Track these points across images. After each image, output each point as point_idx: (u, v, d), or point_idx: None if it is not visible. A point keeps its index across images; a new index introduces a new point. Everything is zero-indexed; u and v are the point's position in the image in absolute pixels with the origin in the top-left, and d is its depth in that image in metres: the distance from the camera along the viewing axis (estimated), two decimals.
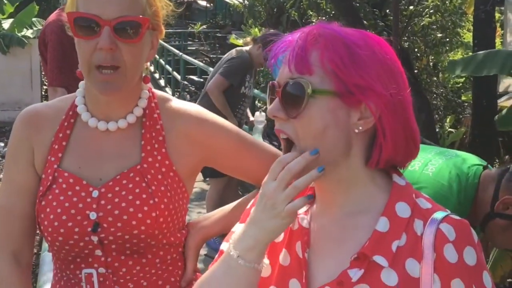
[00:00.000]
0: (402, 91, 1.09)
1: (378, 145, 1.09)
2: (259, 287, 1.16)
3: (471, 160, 2.02)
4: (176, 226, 1.53)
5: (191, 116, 1.56)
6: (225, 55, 5.38)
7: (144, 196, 1.47)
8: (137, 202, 1.46)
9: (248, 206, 1.31)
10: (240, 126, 5.11)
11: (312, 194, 1.13)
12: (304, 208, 1.19)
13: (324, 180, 1.12)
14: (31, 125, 1.55)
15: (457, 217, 1.08)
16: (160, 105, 1.56)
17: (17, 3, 11.80)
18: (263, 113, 5.56)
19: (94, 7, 1.39)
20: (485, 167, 1.98)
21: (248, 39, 5.45)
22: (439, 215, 1.08)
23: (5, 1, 11.60)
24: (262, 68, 5.57)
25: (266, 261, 1.16)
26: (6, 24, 11.38)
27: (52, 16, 4.18)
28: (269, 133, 5.56)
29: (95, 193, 1.47)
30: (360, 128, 1.08)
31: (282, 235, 1.19)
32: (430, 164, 1.94)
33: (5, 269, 1.56)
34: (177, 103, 1.59)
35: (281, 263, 1.18)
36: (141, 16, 1.43)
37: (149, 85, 1.58)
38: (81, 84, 1.56)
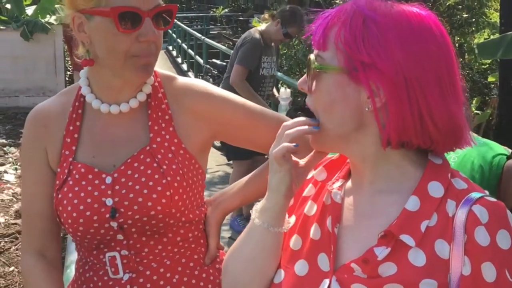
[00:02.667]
0: (426, 73, 1.05)
1: (391, 121, 1.06)
2: (289, 260, 1.19)
3: (496, 148, 1.97)
4: (193, 203, 1.54)
5: (195, 92, 1.57)
6: (238, 40, 5.33)
7: (156, 176, 1.47)
8: (150, 183, 1.46)
9: None
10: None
11: (297, 144, 1.15)
12: (338, 183, 1.20)
13: (349, 156, 1.16)
14: (40, 125, 1.57)
15: (493, 199, 1.05)
16: (164, 84, 1.58)
17: None
18: (288, 90, 5.45)
19: (132, 0, 1.39)
20: (508, 157, 1.94)
21: (267, 15, 5.36)
22: (473, 196, 1.05)
23: None
24: (284, 43, 5.46)
25: (291, 219, 1.22)
26: (30, 10, 11.44)
27: None
28: (292, 114, 5.51)
29: (109, 179, 1.48)
30: (370, 106, 1.07)
31: (315, 209, 1.20)
32: (453, 153, 1.90)
33: (29, 263, 1.60)
34: (180, 80, 1.60)
35: (312, 237, 1.18)
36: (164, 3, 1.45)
37: None
38: (82, 73, 1.57)
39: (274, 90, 5.63)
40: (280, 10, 5.29)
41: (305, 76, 1.16)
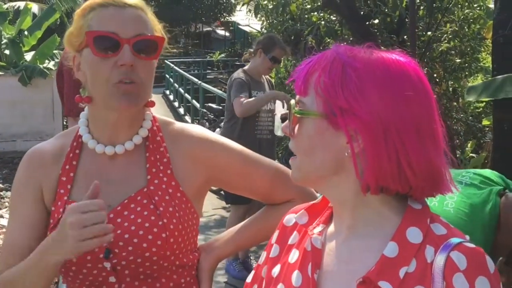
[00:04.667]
0: (404, 119, 1.05)
1: (368, 167, 1.06)
2: None
3: (490, 181, 1.98)
4: (187, 247, 1.54)
5: (194, 137, 1.59)
6: (227, 85, 5.33)
7: (152, 218, 1.48)
8: (146, 225, 1.47)
9: (272, 241, 1.32)
10: (260, 144, 5.02)
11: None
12: (319, 229, 1.19)
13: (329, 198, 1.18)
14: (37, 164, 1.58)
15: (471, 245, 1.04)
16: (162, 128, 1.60)
17: (39, 36, 11.99)
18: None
19: (112, 26, 1.43)
20: (502, 194, 1.94)
21: (246, 55, 5.32)
22: (451, 242, 1.04)
23: (27, 34, 11.79)
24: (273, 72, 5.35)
25: (275, 269, 1.24)
26: (28, 56, 11.56)
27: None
28: (287, 158, 5.50)
29: None
30: (349, 151, 1.07)
31: (297, 255, 1.20)
32: (449, 198, 1.90)
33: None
34: (179, 125, 1.63)
35: (294, 284, 1.17)
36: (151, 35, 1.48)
37: (150, 109, 1.61)
38: (83, 114, 1.59)
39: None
40: (256, 43, 5.26)
41: (287, 121, 1.18)
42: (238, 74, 5.13)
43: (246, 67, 5.21)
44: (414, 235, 1.07)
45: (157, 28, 1.54)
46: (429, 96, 1.10)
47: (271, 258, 1.28)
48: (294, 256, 1.22)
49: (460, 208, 1.86)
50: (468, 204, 1.87)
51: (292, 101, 1.15)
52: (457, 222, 1.82)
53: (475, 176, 2.03)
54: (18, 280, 1.47)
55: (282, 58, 5.34)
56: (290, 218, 1.31)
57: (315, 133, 1.10)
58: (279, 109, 5.05)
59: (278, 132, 5.10)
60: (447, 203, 1.88)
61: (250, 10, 10.61)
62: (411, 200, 1.12)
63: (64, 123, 10.83)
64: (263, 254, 1.33)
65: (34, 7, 13.84)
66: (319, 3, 8.29)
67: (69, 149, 1.58)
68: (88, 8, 1.48)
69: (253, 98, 4.96)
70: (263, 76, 5.27)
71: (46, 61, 11.39)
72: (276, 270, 1.24)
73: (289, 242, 1.26)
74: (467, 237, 1.08)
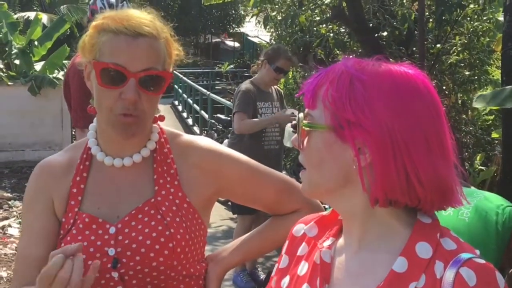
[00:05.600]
0: (412, 132, 1.04)
1: (376, 180, 1.06)
2: None
3: (498, 201, 1.98)
4: (195, 257, 1.55)
5: (201, 148, 1.60)
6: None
7: (160, 228, 1.49)
8: (154, 234, 1.48)
9: (282, 252, 1.32)
10: (268, 155, 5.02)
11: None
12: (329, 242, 1.19)
13: (338, 211, 1.17)
14: (48, 175, 1.59)
15: (481, 261, 1.03)
16: (170, 140, 1.61)
17: (49, 46, 12.06)
18: (295, 111, 5.35)
19: (121, 58, 1.42)
20: None
21: (254, 67, 5.34)
22: (461, 257, 1.03)
23: (37, 44, 11.87)
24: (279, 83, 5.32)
25: (285, 280, 1.23)
26: (38, 66, 11.63)
27: (74, 58, 4.26)
28: (296, 170, 5.48)
29: (112, 230, 1.50)
30: (357, 164, 1.06)
31: (306, 268, 1.20)
32: (464, 208, 1.90)
33: None
34: (186, 137, 1.64)
35: None
36: (161, 69, 1.48)
37: (158, 122, 1.62)
38: (92, 126, 1.61)
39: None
40: (262, 54, 5.29)
41: (296, 134, 1.18)
42: (245, 84, 5.15)
43: (253, 78, 5.23)
44: (423, 250, 1.06)
45: (171, 51, 1.53)
46: (438, 108, 1.09)
47: (280, 269, 1.29)
48: (303, 268, 1.21)
49: (475, 218, 1.86)
50: (483, 214, 1.87)
51: (301, 114, 1.15)
52: (472, 231, 1.82)
53: (487, 195, 2.04)
54: None
55: (288, 69, 5.34)
56: (299, 228, 1.31)
57: (323, 146, 1.10)
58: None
59: (288, 143, 5.09)
60: (462, 212, 1.88)
61: (259, 22, 10.63)
62: (421, 214, 1.11)
63: (73, 133, 10.87)
64: (276, 266, 1.33)
65: (44, 18, 13.96)
66: (328, 15, 8.30)
67: (78, 161, 1.60)
68: (103, 26, 1.46)
69: (254, 120, 4.97)
70: (272, 86, 5.27)
71: (56, 71, 11.44)
72: (285, 281, 1.24)
73: (298, 253, 1.26)
74: (478, 252, 1.07)
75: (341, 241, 1.19)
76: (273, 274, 1.33)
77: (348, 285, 1.12)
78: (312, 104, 1.13)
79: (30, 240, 1.58)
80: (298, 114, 1.16)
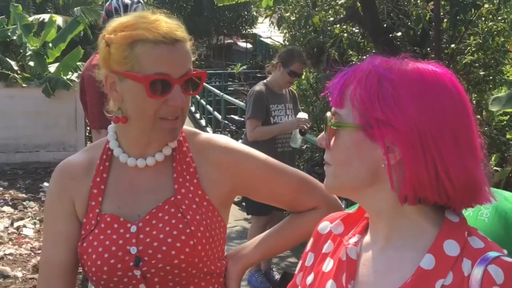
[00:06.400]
0: (442, 130, 1.04)
1: (406, 178, 1.06)
2: None
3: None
4: (215, 254, 1.56)
5: (219, 146, 1.61)
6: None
7: (180, 226, 1.50)
8: (175, 232, 1.49)
9: (307, 249, 1.32)
10: (282, 157, 5.01)
11: None
12: (355, 239, 1.19)
13: (365, 209, 1.17)
14: (68, 177, 1.60)
15: (509, 259, 1.03)
16: (188, 139, 1.62)
17: (63, 48, 12.14)
18: (305, 114, 5.35)
19: (164, 67, 1.44)
20: None
21: (269, 68, 5.33)
22: (489, 255, 1.03)
23: (51, 46, 11.94)
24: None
25: (309, 278, 1.24)
26: (52, 68, 11.71)
27: (90, 61, 4.28)
28: (310, 170, 5.47)
29: (133, 228, 1.51)
30: (386, 163, 1.07)
31: (331, 264, 1.20)
32: (484, 208, 1.88)
33: None
34: (204, 136, 1.65)
35: None
36: (192, 67, 1.50)
37: None
38: (111, 128, 1.62)
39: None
40: (277, 56, 5.29)
41: (323, 133, 1.18)
42: (258, 87, 5.16)
43: (267, 80, 5.23)
44: (451, 247, 1.06)
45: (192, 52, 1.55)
46: (466, 106, 1.09)
47: (306, 267, 1.29)
48: (328, 265, 1.22)
49: (496, 218, 1.84)
50: (503, 215, 1.85)
51: (328, 114, 1.15)
52: (492, 232, 1.80)
53: (507, 196, 2.02)
54: None
55: (302, 72, 5.32)
56: (325, 226, 1.31)
57: (352, 144, 1.10)
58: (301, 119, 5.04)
59: (295, 144, 5.09)
60: (481, 212, 1.86)
61: (272, 23, 10.63)
62: (449, 212, 1.11)
63: (87, 133, 10.94)
64: (299, 263, 1.33)
65: (59, 20, 14.04)
66: (342, 16, 8.28)
67: (98, 161, 1.61)
68: (135, 38, 1.45)
69: (265, 128, 4.99)
70: (285, 88, 5.26)
71: (70, 73, 11.52)
72: (310, 278, 1.24)
73: (324, 250, 1.27)
74: (505, 251, 1.07)
75: (367, 238, 1.19)
76: (297, 271, 1.33)
77: (374, 282, 1.12)
78: (339, 103, 1.13)
79: (52, 244, 1.59)
80: (326, 114, 1.16)
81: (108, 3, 4.33)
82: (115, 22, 1.51)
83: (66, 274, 1.58)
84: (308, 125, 5.13)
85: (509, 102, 5.14)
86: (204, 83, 1.45)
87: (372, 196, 1.12)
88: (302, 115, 5.14)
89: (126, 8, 4.12)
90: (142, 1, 4.35)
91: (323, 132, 1.17)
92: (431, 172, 1.04)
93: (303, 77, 9.89)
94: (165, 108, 1.47)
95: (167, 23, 1.48)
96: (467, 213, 1.83)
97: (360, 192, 1.13)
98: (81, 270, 1.59)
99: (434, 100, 1.06)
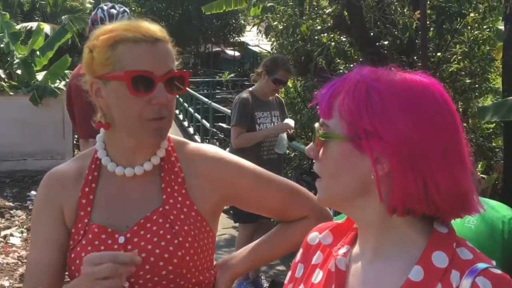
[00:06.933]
0: (430, 141, 1.04)
1: (394, 189, 1.06)
2: None
3: (504, 210, 1.98)
4: (204, 265, 1.56)
5: (208, 156, 1.61)
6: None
7: (168, 236, 1.50)
8: (163, 243, 1.49)
9: (296, 260, 1.32)
10: (269, 164, 4.99)
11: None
12: (344, 250, 1.19)
13: (354, 220, 1.17)
14: (57, 185, 1.60)
15: (498, 271, 1.03)
16: (176, 148, 1.62)
17: (51, 56, 12.10)
18: (292, 121, 5.35)
19: (146, 64, 1.44)
20: None
21: (254, 76, 5.35)
22: (478, 267, 1.03)
23: (39, 54, 11.90)
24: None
25: None
26: (40, 76, 11.67)
27: (77, 70, 4.29)
28: (298, 178, 5.49)
29: (121, 239, 1.51)
30: (374, 174, 1.06)
31: (321, 276, 1.20)
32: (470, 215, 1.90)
33: None
34: (193, 145, 1.65)
35: None
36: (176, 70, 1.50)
37: None
38: (99, 137, 1.61)
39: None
40: (261, 65, 5.31)
41: (312, 143, 1.17)
42: (244, 94, 5.20)
43: (252, 88, 5.25)
44: (440, 259, 1.06)
45: (174, 56, 1.55)
46: (454, 116, 1.09)
47: (296, 278, 1.28)
48: (318, 276, 1.22)
49: (482, 225, 1.86)
50: (489, 223, 1.87)
51: (316, 124, 1.15)
52: (478, 239, 1.81)
53: (493, 205, 2.03)
54: None
55: (287, 79, 5.33)
56: (314, 236, 1.30)
57: (340, 156, 1.10)
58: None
59: (279, 150, 5.10)
60: (468, 220, 1.88)
61: (260, 31, 10.65)
62: (437, 223, 1.11)
63: (75, 142, 10.89)
64: (288, 274, 1.33)
65: (46, 28, 14.01)
66: (329, 24, 8.32)
67: (87, 171, 1.61)
68: (116, 39, 1.46)
69: (249, 134, 5.01)
70: (270, 96, 5.28)
71: (57, 81, 11.48)
72: None
73: (313, 262, 1.26)
74: (493, 262, 1.07)
75: (356, 249, 1.19)
76: (286, 281, 1.32)
77: None
78: (328, 113, 1.12)
79: (40, 247, 1.58)
80: (315, 124, 1.16)
81: (94, 12, 4.34)
82: (98, 29, 1.53)
83: (52, 275, 1.56)
84: (291, 131, 5.15)
85: (497, 113, 5.19)
86: (192, 91, 1.45)
87: (362, 208, 1.12)
88: (288, 121, 5.16)
89: (112, 18, 4.13)
90: (128, 11, 4.37)
91: (312, 143, 1.17)
92: (419, 184, 1.04)
93: (290, 85, 9.94)
94: (149, 108, 1.46)
95: (147, 25, 1.49)
96: (454, 220, 1.85)
97: (351, 203, 1.13)
98: (68, 280, 1.59)
99: (422, 111, 1.06)
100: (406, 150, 1.04)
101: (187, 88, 1.62)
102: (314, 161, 1.17)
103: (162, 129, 1.51)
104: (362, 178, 1.09)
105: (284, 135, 5.06)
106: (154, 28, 1.49)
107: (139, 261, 1.38)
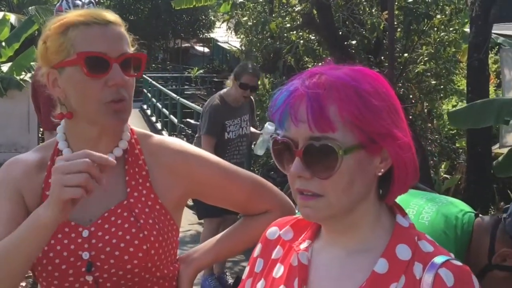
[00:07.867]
0: (401, 126, 1.11)
1: (395, 182, 1.12)
2: None
3: (462, 206, 2.01)
4: (168, 258, 1.55)
5: (172, 149, 1.60)
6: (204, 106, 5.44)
7: (133, 230, 1.48)
8: (127, 237, 1.48)
9: (255, 255, 1.32)
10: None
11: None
12: (305, 244, 1.20)
13: (338, 224, 1.14)
14: (17, 170, 1.56)
15: (458, 263, 1.07)
16: (140, 141, 1.60)
17: (17, 47, 11.91)
18: (272, 127, 5.35)
19: (100, 46, 1.44)
20: (476, 215, 1.98)
21: (229, 81, 5.43)
22: (439, 259, 1.07)
23: (4, 45, 11.71)
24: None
25: (259, 284, 1.25)
26: (5, 67, 11.47)
27: None
28: (265, 175, 5.53)
29: (85, 233, 1.48)
30: (382, 170, 1.10)
31: (282, 270, 1.21)
32: (424, 212, 1.92)
33: None
34: (157, 138, 1.64)
35: None
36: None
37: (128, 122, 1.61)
38: (59, 128, 1.58)
39: (254, 130, 5.64)
40: (235, 69, 5.37)
41: (299, 163, 1.07)
42: (215, 100, 5.24)
43: (223, 92, 5.33)
44: (403, 252, 1.10)
45: (130, 42, 1.54)
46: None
47: (256, 273, 1.29)
48: (279, 271, 1.22)
49: (436, 221, 1.89)
50: (443, 219, 1.90)
51: (311, 142, 1.06)
52: (432, 234, 1.84)
53: (451, 200, 2.07)
54: (6, 245, 1.37)
55: (255, 84, 5.32)
56: (273, 231, 1.31)
57: (354, 165, 1.07)
58: (267, 131, 5.12)
59: (260, 151, 5.17)
60: (422, 216, 1.91)
61: (229, 28, 10.65)
62: (399, 217, 1.15)
63: (40, 135, 10.75)
64: (247, 268, 1.33)
65: (12, 18, 13.75)
66: (298, 22, 8.36)
67: (49, 162, 1.57)
68: (67, 25, 1.46)
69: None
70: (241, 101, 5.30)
71: (23, 72, 11.30)
72: (260, 284, 1.24)
73: (273, 256, 1.27)
74: (452, 255, 1.11)
75: (319, 243, 1.20)
76: (244, 277, 1.33)
77: (328, 287, 1.14)
78: (328, 127, 1.05)
79: (1, 221, 1.48)
80: (312, 143, 1.07)
81: (58, 4, 4.24)
82: (50, 21, 1.52)
83: None
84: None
85: (467, 121, 5.31)
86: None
87: (358, 208, 1.12)
88: (269, 130, 5.18)
89: (77, 9, 4.07)
90: (93, 2, 4.29)
91: (296, 162, 1.08)
92: (415, 168, 1.13)
93: (259, 82, 9.95)
94: (107, 90, 1.44)
95: (99, 10, 1.49)
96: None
97: (350, 212, 1.11)
98: (31, 274, 1.56)
99: (394, 101, 1.12)
100: (405, 141, 1.10)
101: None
102: (303, 181, 1.09)
103: (121, 111, 1.48)
104: (369, 180, 1.11)
105: (267, 136, 5.10)
106: (106, 13, 1.49)
107: (113, 163, 1.32)
